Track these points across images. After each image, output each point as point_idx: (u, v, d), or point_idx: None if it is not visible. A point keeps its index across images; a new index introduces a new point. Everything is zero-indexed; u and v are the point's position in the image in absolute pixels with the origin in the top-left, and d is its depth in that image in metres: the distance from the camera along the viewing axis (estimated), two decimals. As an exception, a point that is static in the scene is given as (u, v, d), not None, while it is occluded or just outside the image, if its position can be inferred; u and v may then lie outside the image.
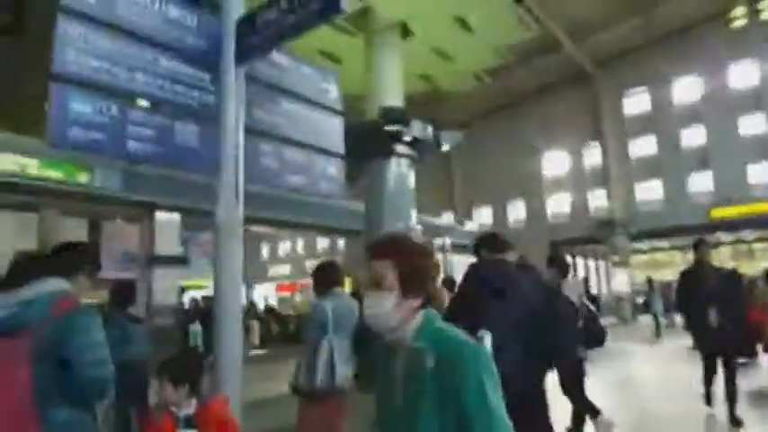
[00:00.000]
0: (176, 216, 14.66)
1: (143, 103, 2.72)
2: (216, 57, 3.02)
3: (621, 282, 25.68)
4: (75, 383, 1.80)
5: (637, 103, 27.77)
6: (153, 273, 13.60)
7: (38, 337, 1.75)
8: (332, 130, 3.81)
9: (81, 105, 2.47)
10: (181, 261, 14.99)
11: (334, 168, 3.79)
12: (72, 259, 2.05)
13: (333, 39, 9.98)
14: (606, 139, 27.88)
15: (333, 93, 3.86)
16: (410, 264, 1.41)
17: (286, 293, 34.02)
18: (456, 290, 3.56)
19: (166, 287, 13.92)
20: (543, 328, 2.97)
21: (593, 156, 28.78)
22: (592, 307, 4.75)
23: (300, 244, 36.30)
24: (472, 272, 3.17)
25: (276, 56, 3.47)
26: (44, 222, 21.64)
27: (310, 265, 33.81)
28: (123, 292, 4.47)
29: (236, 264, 2.94)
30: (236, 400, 2.77)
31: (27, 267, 1.95)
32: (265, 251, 38.13)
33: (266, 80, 3.40)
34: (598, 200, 28.10)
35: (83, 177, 12.69)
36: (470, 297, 3.03)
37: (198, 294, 21.96)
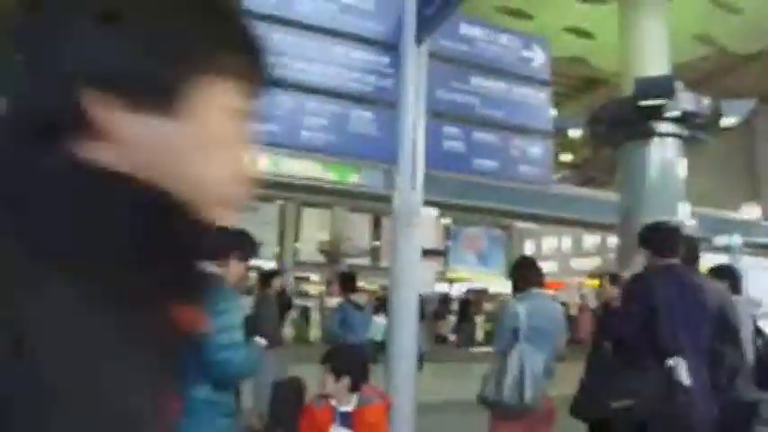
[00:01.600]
0: (433, 210, 15.43)
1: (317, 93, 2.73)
2: (395, 38, 2.88)
3: None
4: (208, 363, 1.85)
5: None
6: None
7: (180, 316, 1.86)
8: (536, 105, 3.30)
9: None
10: (437, 254, 15.75)
11: (539, 149, 3.27)
12: (223, 245, 2.16)
13: (581, 12, 8.96)
14: None
15: (537, 60, 3.34)
16: None
17: (549, 291, 32.72)
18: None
19: (423, 278, 14.76)
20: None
21: None
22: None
23: (567, 241, 34.40)
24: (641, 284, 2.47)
25: (467, 28, 3.15)
26: (335, 218, 25.33)
27: (577, 263, 31.80)
28: (345, 282, 4.75)
29: (412, 254, 2.74)
30: (409, 402, 2.57)
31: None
32: (529, 248, 37.36)
33: (453, 56, 3.12)
34: None
35: (354, 177, 14.34)
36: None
37: (462, 287, 22.76)
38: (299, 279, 27.22)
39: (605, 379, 2.54)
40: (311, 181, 13.66)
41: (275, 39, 2.67)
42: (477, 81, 3.15)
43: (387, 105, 2.85)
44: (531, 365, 2.68)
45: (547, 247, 36.30)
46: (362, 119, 2.82)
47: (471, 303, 14.78)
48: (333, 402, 2.39)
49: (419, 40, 2.79)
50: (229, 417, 1.98)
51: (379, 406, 2.42)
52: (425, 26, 2.71)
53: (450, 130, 3.05)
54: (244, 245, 2.21)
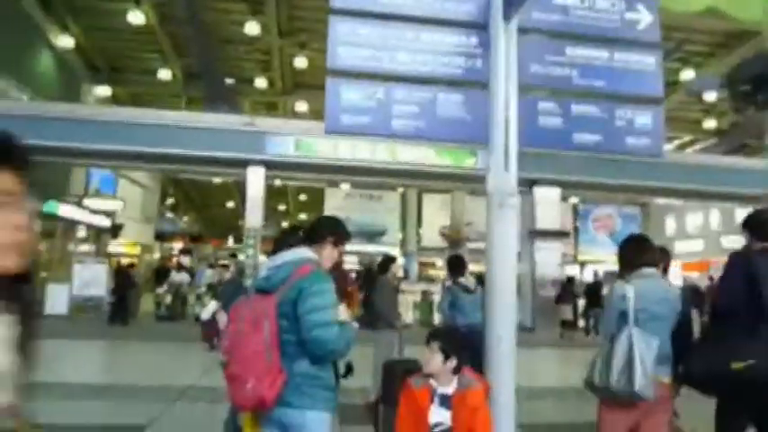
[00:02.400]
0: (556, 191, 14.73)
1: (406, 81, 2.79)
2: (483, 17, 2.84)
3: None
4: (304, 341, 2.02)
5: None
6: (534, 246, 14.07)
7: (281, 296, 2.05)
8: (643, 71, 3.05)
9: (351, 93, 2.74)
10: (561, 235, 15.00)
11: (648, 118, 3.02)
12: (319, 231, 2.32)
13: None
14: None
15: (644, 22, 3.08)
16: None
17: (694, 273, 29.57)
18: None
19: (549, 260, 14.18)
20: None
21: None
22: None
23: (716, 217, 30.81)
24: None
25: (560, -3, 3.00)
26: (456, 202, 25.31)
27: (728, 240, 28.28)
28: (455, 264, 4.78)
29: (508, 236, 2.70)
30: (508, 387, 2.56)
31: (287, 238, 2.33)
32: (670, 226, 34.07)
33: (546, 28, 2.99)
34: None
35: (470, 161, 14.16)
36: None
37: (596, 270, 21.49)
38: (423, 264, 27.65)
39: (720, 344, 2.62)
40: (426, 167, 13.74)
41: (363, 32, 2.77)
42: (574, 51, 3.00)
43: (477, 87, 2.83)
44: (641, 350, 2.51)
45: (692, 224, 32.82)
46: (452, 102, 2.83)
47: (601, 286, 13.91)
48: (432, 383, 2.45)
49: (507, 18, 2.73)
50: (330, 390, 2.14)
51: (479, 390, 2.43)
52: (512, 3, 2.64)
53: (546, 105, 2.94)
54: (338, 231, 2.36)
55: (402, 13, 2.82)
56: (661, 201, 26.47)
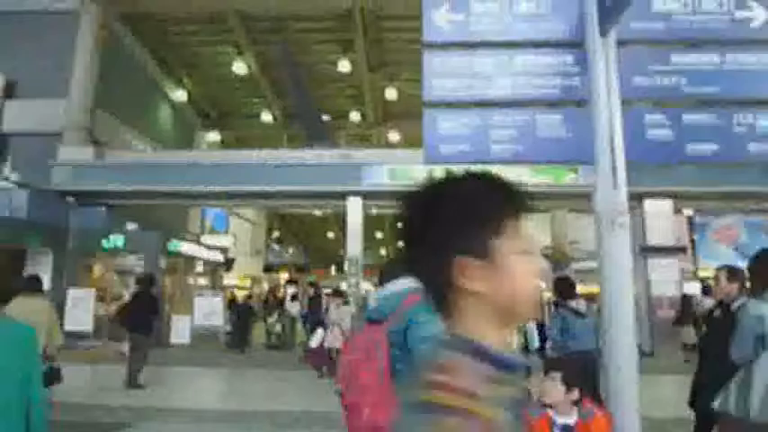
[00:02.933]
0: (668, 203, 13.72)
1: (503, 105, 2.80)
2: (577, 34, 2.80)
3: None
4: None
5: None
6: (648, 263, 13.13)
7: (391, 325, 2.12)
8: (762, 70, 2.81)
9: (448, 123, 2.79)
10: (677, 251, 13.87)
11: (774, 120, 2.77)
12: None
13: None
14: None
15: (757, 19, 2.86)
16: None
17: None
18: None
19: (665, 278, 13.15)
20: None
21: None
22: None
23: None
24: None
25: (660, 3, 2.88)
26: (556, 220, 24.36)
27: None
28: (562, 288, 4.61)
29: (621, 259, 2.58)
30: (631, 418, 2.41)
31: (393, 269, 2.39)
32: (808, 232, 30.22)
33: (648, 38, 2.87)
34: None
35: (569, 177, 13.64)
36: None
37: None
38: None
39: None
40: (524, 187, 13.38)
41: (455, 62, 2.83)
42: (681, 58, 2.84)
43: (577, 105, 2.77)
44: (785, 375, 2.27)
45: (836, 230, 28.88)
46: (551, 122, 2.79)
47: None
48: (550, 412, 2.38)
49: (603, 33, 2.66)
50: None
51: (602, 420, 2.33)
52: (608, 17, 2.58)
53: (654, 117, 2.80)
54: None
55: (494, 40, 2.86)
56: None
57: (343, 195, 13.05)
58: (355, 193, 13.07)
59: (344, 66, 15.18)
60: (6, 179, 13.45)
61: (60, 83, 13.20)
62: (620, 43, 2.74)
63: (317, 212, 24.17)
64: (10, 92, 13.95)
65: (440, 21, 2.86)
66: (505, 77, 2.82)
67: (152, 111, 17.43)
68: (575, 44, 2.82)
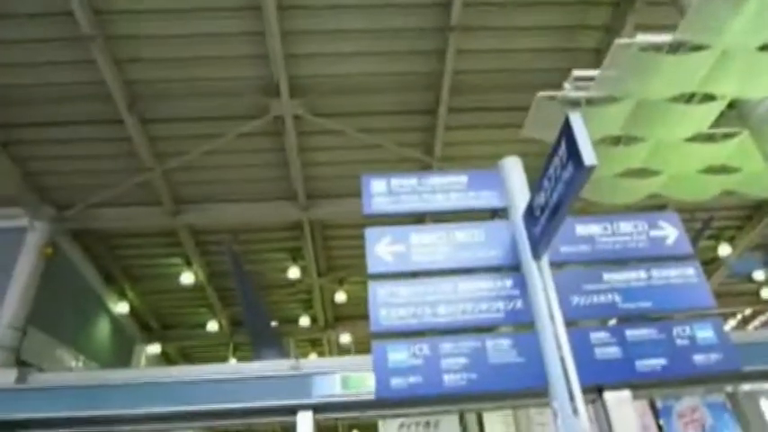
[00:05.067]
0: (626, 392, 13.48)
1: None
2: (514, 259, 2.96)
3: None
4: None
5: None
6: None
7: None
8: (687, 283, 3.01)
9: (397, 354, 2.72)
10: (648, 445, 13.23)
11: (710, 331, 2.87)
12: None
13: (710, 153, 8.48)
14: None
15: (671, 237, 3.15)
16: None
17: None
18: None
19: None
20: None
21: None
22: None
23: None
24: None
25: (582, 228, 3.15)
26: (519, 418, 23.24)
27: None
28: None
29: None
30: None
31: None
32: None
33: (578, 259, 3.07)
34: None
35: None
36: None
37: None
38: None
39: None
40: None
41: (401, 291, 2.87)
42: (611, 276, 3.02)
43: (524, 328, 2.80)
44: None
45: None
46: (502, 348, 2.78)
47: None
48: None
49: (537, 257, 2.83)
50: None
51: None
52: (537, 244, 2.76)
53: (599, 335, 2.85)
54: None
55: (436, 268, 2.97)
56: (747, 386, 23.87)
57: (293, 410, 12.11)
58: (306, 407, 12.18)
59: (294, 272, 15.45)
60: None
61: (-8, 301, 12.57)
62: (555, 266, 2.91)
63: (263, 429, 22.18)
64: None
65: (382, 253, 2.97)
66: (451, 304, 2.87)
67: (91, 325, 16.58)
68: (513, 268, 2.96)
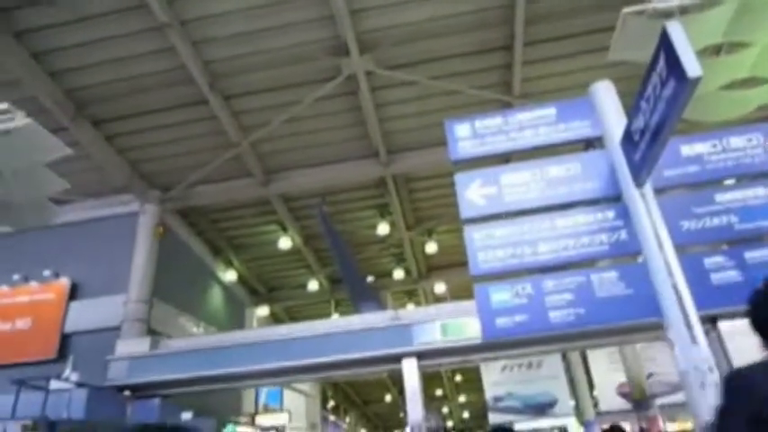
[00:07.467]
0: (744, 321, 12.62)
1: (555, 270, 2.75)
2: (614, 190, 2.83)
3: None
4: None
5: None
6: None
7: None
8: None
9: (500, 295, 2.73)
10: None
11: None
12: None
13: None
14: None
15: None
16: None
17: None
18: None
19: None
20: None
21: None
22: None
23: None
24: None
25: (688, 147, 2.93)
26: (627, 354, 22.69)
27: None
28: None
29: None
30: None
31: None
32: None
33: (685, 182, 2.87)
34: None
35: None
36: None
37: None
38: (607, 432, 23.89)
39: None
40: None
41: (498, 233, 2.85)
42: (725, 196, 2.80)
43: (631, 259, 2.70)
44: None
45: None
46: (609, 281, 2.69)
47: None
48: None
49: (639, 184, 2.68)
50: None
51: None
52: (639, 170, 2.61)
53: (714, 259, 2.68)
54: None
55: (532, 206, 2.91)
56: None
57: (397, 358, 12.61)
58: (410, 354, 12.63)
59: (384, 228, 15.73)
60: (66, 379, 13.65)
61: (120, 279, 14.02)
62: (658, 191, 2.75)
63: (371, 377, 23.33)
64: (74, 294, 14.83)
65: (474, 196, 2.95)
66: (550, 241, 2.81)
67: (204, 294, 18.08)
68: (613, 198, 2.84)
